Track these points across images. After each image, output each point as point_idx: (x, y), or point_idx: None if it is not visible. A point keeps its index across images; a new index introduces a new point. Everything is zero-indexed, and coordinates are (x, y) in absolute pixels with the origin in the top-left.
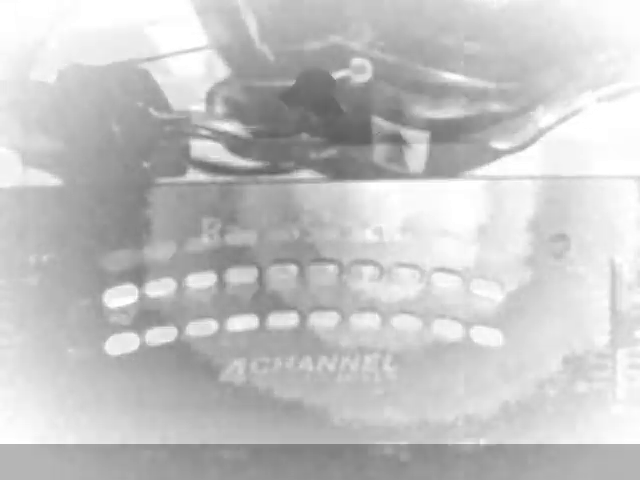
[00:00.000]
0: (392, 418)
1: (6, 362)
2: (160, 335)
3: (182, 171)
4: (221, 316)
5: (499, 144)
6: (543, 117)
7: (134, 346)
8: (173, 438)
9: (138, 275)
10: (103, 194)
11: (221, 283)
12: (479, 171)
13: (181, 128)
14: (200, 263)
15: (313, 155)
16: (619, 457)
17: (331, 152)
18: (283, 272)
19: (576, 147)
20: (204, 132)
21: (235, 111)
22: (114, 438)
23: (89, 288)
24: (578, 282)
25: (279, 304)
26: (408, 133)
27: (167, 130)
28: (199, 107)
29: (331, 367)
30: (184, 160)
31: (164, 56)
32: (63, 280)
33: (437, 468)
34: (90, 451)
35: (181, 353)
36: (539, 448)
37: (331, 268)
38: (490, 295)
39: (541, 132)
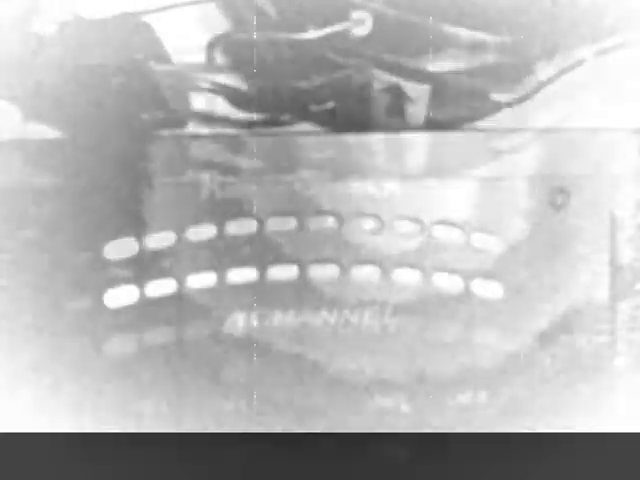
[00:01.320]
0: (392, 370)
1: (4, 315)
2: (160, 287)
3: (182, 123)
4: (221, 268)
5: (499, 96)
6: (543, 69)
7: (133, 298)
8: (172, 389)
9: (138, 227)
10: (102, 146)
11: (221, 235)
12: (479, 124)
13: (181, 80)
14: (200, 215)
15: (313, 108)
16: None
17: (331, 105)
18: (283, 224)
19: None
20: (204, 84)
21: (235, 63)
22: (114, 391)
23: (89, 241)
24: (578, 235)
25: (279, 256)
26: (408, 86)
27: (167, 82)
28: (199, 59)
29: (331, 320)
30: (184, 112)
31: (164, 8)
32: (63, 233)
33: (437, 418)
34: (90, 404)
35: (181, 305)
36: (539, 402)
37: (331, 220)
38: (490, 247)
39: (541, 84)
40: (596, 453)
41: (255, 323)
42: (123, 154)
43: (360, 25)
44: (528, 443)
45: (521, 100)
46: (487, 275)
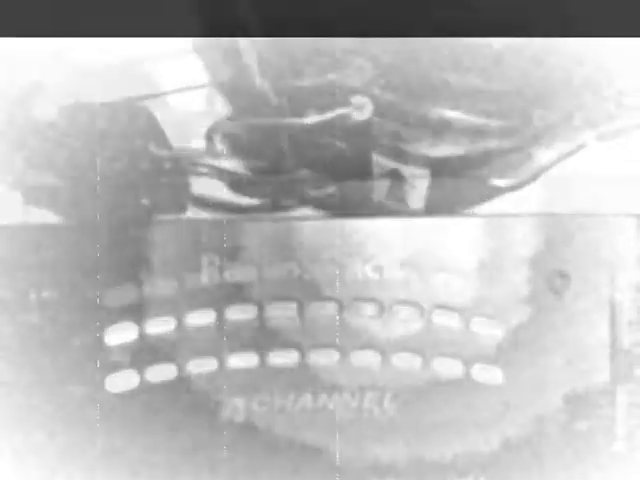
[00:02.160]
0: (392, 456)
1: (6, 400)
2: (160, 373)
3: (182, 208)
4: (221, 354)
5: (499, 181)
6: (543, 154)
7: (134, 383)
8: (172, 476)
9: (138, 312)
10: (103, 231)
11: (221, 320)
12: (479, 208)
13: (181, 165)
14: (200, 300)
15: (313, 192)
16: None
17: (331, 189)
18: (283, 309)
19: (576, 184)
20: (204, 169)
21: (235, 148)
22: (112, 475)
23: (89, 325)
24: (578, 319)
25: (279, 341)
26: (408, 170)
27: (167, 167)
28: (199, 144)
29: (331, 404)
30: (184, 197)
31: (164, 93)
32: (63, 317)
33: None
34: None
35: (181, 391)
36: None
37: (331, 305)
38: (490, 332)
39: (541, 169)
40: None
41: (255, 409)
42: (122, 239)
43: (360, 110)
44: None
45: (521, 185)
46: (487, 360)
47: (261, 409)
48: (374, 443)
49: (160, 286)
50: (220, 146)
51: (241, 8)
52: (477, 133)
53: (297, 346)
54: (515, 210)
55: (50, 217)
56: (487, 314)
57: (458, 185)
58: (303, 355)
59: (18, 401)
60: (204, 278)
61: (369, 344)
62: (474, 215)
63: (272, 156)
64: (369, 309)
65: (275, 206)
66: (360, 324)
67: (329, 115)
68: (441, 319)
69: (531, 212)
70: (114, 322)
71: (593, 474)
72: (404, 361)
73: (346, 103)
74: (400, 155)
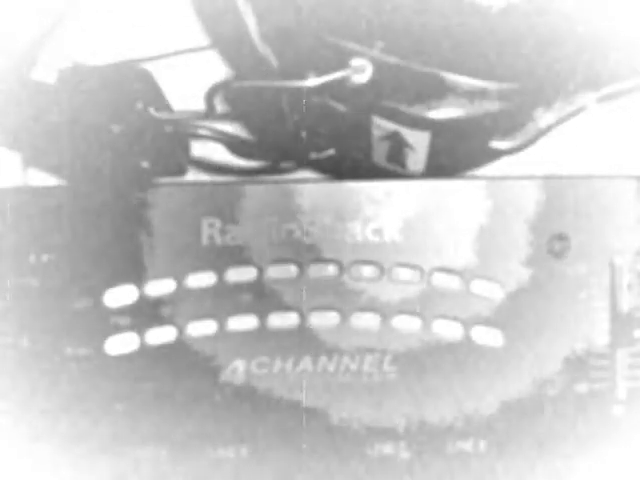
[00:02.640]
0: (392, 419)
1: (5, 362)
2: (160, 335)
3: (182, 171)
4: (221, 316)
5: (499, 144)
6: (543, 117)
7: (134, 346)
8: (172, 438)
9: (138, 275)
10: (103, 194)
11: (221, 283)
12: (479, 171)
13: (181, 128)
14: (200, 263)
15: (313, 155)
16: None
17: (331, 152)
18: (283, 272)
19: (576, 147)
20: (204, 132)
21: (235, 111)
22: (112, 438)
23: (89, 288)
24: (578, 282)
25: (279, 304)
26: (408, 133)
27: (167, 130)
28: (199, 107)
29: (331, 367)
30: (184, 160)
31: (164, 56)
32: (63, 280)
33: (437, 465)
34: (86, 450)
35: (181, 353)
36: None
37: (331, 268)
38: (490, 295)
39: (541, 132)
40: None
41: (255, 371)
42: (123, 201)
43: (360, 72)
44: None
45: (521, 148)
46: (487, 323)
47: (260, 371)
48: (373, 406)
49: (160, 248)
50: (220, 108)
51: None
52: (477, 95)
53: (297, 308)
54: (515, 173)
55: (49, 180)
56: (487, 276)
57: (458, 147)
58: (303, 318)
59: (16, 365)
60: (204, 240)
61: (369, 306)
62: (474, 177)
63: (272, 119)
64: (369, 271)
65: (275, 169)
66: (360, 286)
67: (329, 77)
68: (441, 281)
69: (531, 175)
70: (114, 284)
71: (593, 437)
72: (404, 323)
73: (346, 65)
74: (400, 117)
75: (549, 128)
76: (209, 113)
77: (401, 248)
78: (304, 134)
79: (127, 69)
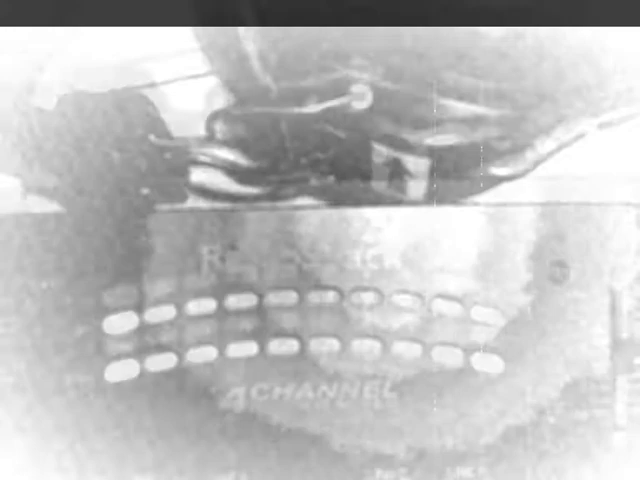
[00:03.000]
0: (392, 445)
1: (5, 389)
2: (160, 362)
3: (182, 198)
4: (221, 343)
5: (499, 170)
6: (543, 143)
7: (134, 373)
8: (172, 466)
9: (138, 302)
10: (102, 221)
11: (221, 310)
12: (479, 198)
13: (181, 155)
14: (200, 290)
15: (313, 182)
16: None
17: (331, 178)
18: (283, 298)
19: (576, 174)
20: (204, 158)
21: (235, 138)
22: (111, 466)
23: (89, 315)
24: (578, 309)
25: (279, 331)
26: (408, 160)
27: (167, 157)
28: (199, 134)
29: (331, 394)
30: (184, 187)
31: (164, 82)
32: (62, 307)
33: None
34: (88, 474)
35: (181, 380)
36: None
37: (331, 295)
38: (490, 321)
39: (541, 158)
40: None
41: (255, 397)
42: (122, 228)
43: (360, 99)
44: None
45: (521, 174)
46: (488, 349)
47: (261, 398)
48: (374, 432)
49: (159, 275)
50: (220, 135)
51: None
52: (478, 121)
53: (297, 335)
54: (515, 199)
55: (50, 206)
56: (487, 303)
57: (458, 174)
58: (303, 344)
59: (17, 394)
60: (204, 267)
61: (369, 333)
62: (474, 204)
63: (272, 145)
64: (369, 298)
65: (275, 195)
66: (360, 313)
67: (329, 104)
68: (441, 308)
69: (531, 201)
70: (114, 311)
71: (593, 464)
72: (404, 350)
73: (346, 92)
74: (400, 144)
75: (549, 154)
76: (209, 139)
77: (401, 275)
78: (304, 161)
79: (127, 96)
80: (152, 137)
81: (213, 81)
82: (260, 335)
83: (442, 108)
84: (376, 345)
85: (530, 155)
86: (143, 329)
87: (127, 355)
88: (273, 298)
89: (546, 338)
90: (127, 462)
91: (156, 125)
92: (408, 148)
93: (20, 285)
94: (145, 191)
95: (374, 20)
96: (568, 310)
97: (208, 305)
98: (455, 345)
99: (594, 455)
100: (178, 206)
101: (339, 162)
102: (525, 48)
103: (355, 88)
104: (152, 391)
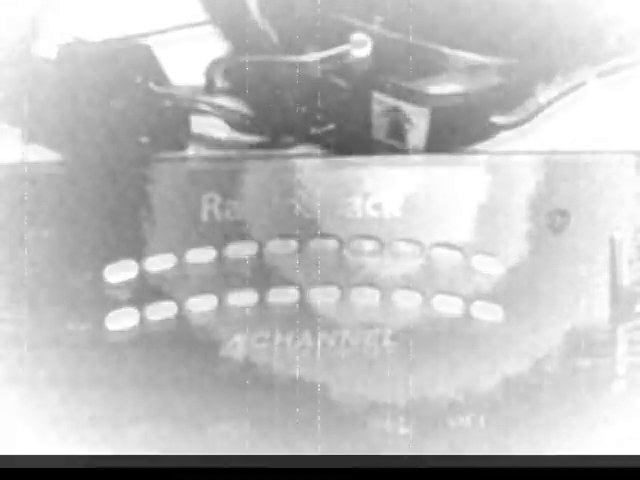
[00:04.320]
0: (391, 394)
1: (4, 337)
2: (160, 310)
3: (182, 146)
4: (221, 291)
5: (499, 119)
6: (543, 92)
7: (134, 321)
8: (173, 412)
9: (138, 250)
10: (101, 169)
11: (221, 258)
12: (479, 146)
13: (181, 103)
14: (200, 238)
15: (313, 130)
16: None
17: (331, 127)
18: (283, 247)
19: (575, 121)
20: (204, 107)
21: (235, 86)
22: (112, 414)
23: (89, 263)
24: (578, 257)
25: (279, 279)
26: (408, 108)
27: (167, 105)
28: (199, 82)
29: (331, 342)
30: (184, 135)
31: (164, 31)
32: (63, 256)
33: (436, 441)
34: (88, 422)
35: (181, 328)
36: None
37: (331, 243)
38: (490, 270)
39: (541, 107)
40: (595, 477)
41: (254, 346)
42: (122, 177)
43: (360, 47)
44: (527, 465)
45: (521, 123)
46: (487, 298)
47: (260, 346)
48: (373, 381)
49: (159, 223)
50: (220, 83)
51: None
52: (477, 70)
53: (297, 284)
54: (515, 148)
55: (49, 155)
56: (487, 251)
57: (458, 123)
58: (303, 293)
59: (18, 339)
60: (204, 215)
61: (369, 282)
62: (474, 153)
63: (272, 94)
64: (369, 246)
65: (275, 144)
66: (360, 261)
67: (329, 52)
68: (441, 256)
69: (530, 150)
70: (114, 260)
71: (593, 412)
72: (404, 299)
73: (346, 40)
74: (400, 93)
75: (549, 103)
76: (209, 88)
77: (401, 223)
78: (304, 109)
79: (127, 44)
80: (152, 85)
81: (212, 29)
82: (260, 283)
83: (442, 57)
84: (376, 294)
85: (530, 104)
86: (143, 277)
87: (127, 303)
88: (273, 246)
89: (546, 287)
90: (129, 409)
91: (156, 73)
92: (408, 97)
93: (19, 234)
94: (145, 139)
95: None
96: (568, 259)
97: (208, 253)
98: (455, 294)
99: (593, 403)
100: (178, 154)
101: (339, 111)
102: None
103: (355, 36)
104: (152, 339)
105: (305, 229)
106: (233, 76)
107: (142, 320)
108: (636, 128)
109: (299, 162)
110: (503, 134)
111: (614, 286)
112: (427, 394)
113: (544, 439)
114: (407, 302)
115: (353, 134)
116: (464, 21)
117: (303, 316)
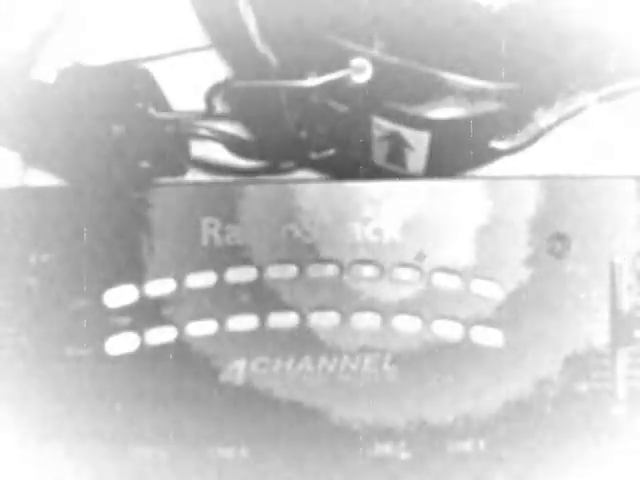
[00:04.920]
0: (391, 419)
1: (5, 363)
2: (160, 335)
3: (182, 171)
4: (221, 316)
5: (499, 144)
6: (543, 117)
7: (134, 346)
8: (172, 438)
9: (138, 275)
10: (102, 194)
11: (221, 283)
12: (479, 171)
13: (181, 128)
14: (200, 263)
15: (313, 155)
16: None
17: (331, 152)
18: (283, 272)
19: (576, 146)
20: (204, 132)
21: (235, 111)
22: (112, 437)
23: (89, 288)
24: (578, 282)
25: (279, 304)
26: (408, 133)
27: (167, 130)
28: (199, 107)
29: (331, 367)
30: (184, 160)
31: (165, 56)
32: (63, 280)
33: (437, 466)
34: (88, 450)
35: (181, 353)
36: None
37: (331, 268)
38: (490, 295)
39: (541, 132)
40: None
41: (255, 371)
42: (123, 201)
43: (360, 72)
44: None
45: (521, 147)
46: (487, 322)
47: (261, 371)
48: (373, 406)
49: (159, 248)
50: (220, 108)
51: None
52: (477, 95)
53: (297, 308)
54: (515, 173)
55: (49, 180)
56: (487, 276)
57: (458, 147)
58: (303, 317)
59: (17, 365)
60: (204, 240)
61: (369, 306)
62: (474, 178)
63: (272, 119)
64: (369, 271)
65: (275, 169)
66: (360, 286)
67: (329, 77)
68: (441, 281)
69: (531, 175)
70: (114, 284)
71: (593, 437)
72: (404, 323)
73: (346, 65)
74: (400, 118)
75: (549, 128)
76: (209, 113)
77: (401, 248)
78: (304, 134)
79: (127, 69)
80: (152, 110)
81: (213, 54)
82: (260, 308)
83: (442, 81)
84: (376, 318)
85: (530, 129)
86: (143, 302)
87: (127, 328)
88: (273, 271)
89: (546, 311)
90: (127, 435)
91: (156, 98)
92: (408, 121)
93: (20, 258)
94: (145, 164)
95: None
96: (568, 283)
97: (208, 278)
98: (455, 318)
99: (594, 428)
100: (178, 179)
101: (339, 135)
102: (525, 20)
103: (355, 62)
104: (152, 364)
105: (305, 254)
106: (233, 101)
107: (142, 345)
108: (636, 153)
109: (299, 187)
110: (503, 159)
111: (614, 311)
112: (428, 419)
113: (544, 464)
114: (407, 327)
115: (353, 159)
116: (464, 46)
117: (303, 341)
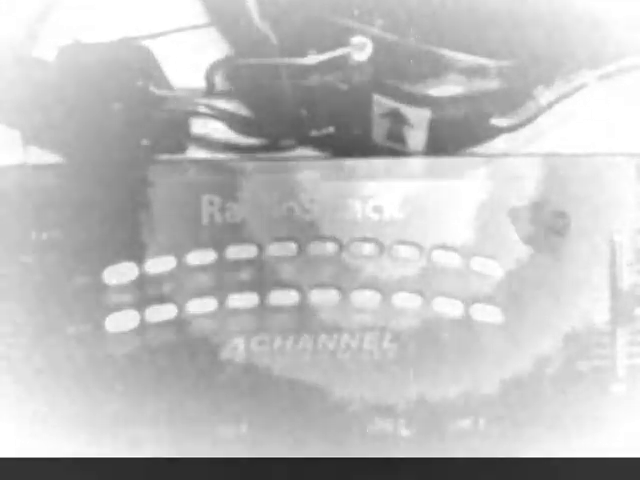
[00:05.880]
0: (392, 396)
1: (5, 340)
2: (160, 313)
3: (182, 149)
4: (221, 294)
5: (499, 121)
6: (543, 94)
7: (134, 324)
8: (172, 416)
9: (138, 252)
10: (102, 172)
11: (221, 260)
12: (479, 149)
13: (181, 106)
14: (200, 240)
15: (313, 132)
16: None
17: (331, 130)
18: (283, 250)
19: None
20: (204, 110)
21: (235, 88)
22: (111, 415)
23: (89, 266)
24: (578, 260)
25: (279, 282)
26: (408, 110)
27: (167, 108)
28: (199, 85)
29: (331, 345)
30: (184, 138)
31: (165, 33)
32: (63, 258)
33: (437, 443)
34: (88, 426)
35: (181, 331)
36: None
37: (331, 246)
38: (490, 272)
39: (541, 109)
40: (595, 479)
41: (255, 349)
42: (123, 179)
43: (360, 50)
44: (527, 469)
45: (521, 125)
46: (487, 300)
47: (261, 349)
48: (373, 384)
49: (160, 226)
50: (220, 86)
51: None
52: (477, 73)
53: (297, 286)
54: (515, 150)
55: (50, 157)
56: (487, 254)
57: (458, 125)
58: (303, 295)
59: (19, 342)
60: (204, 218)
61: (369, 284)
62: (474, 155)
63: (272, 96)
64: (369, 249)
65: (275, 146)
66: (360, 264)
67: (329, 55)
68: (441, 259)
69: (531, 152)
70: (114, 262)
71: (593, 414)
72: (404, 301)
73: (346, 43)
74: (400, 95)
75: (549, 106)
76: (209, 91)
77: (401, 226)
78: (304, 112)
79: (127, 46)
80: (152, 88)
81: (213, 32)
82: (260, 286)
83: (442, 59)
84: (376, 296)
85: (530, 106)
86: (143, 280)
87: (127, 306)
88: (273, 249)
89: (546, 289)
90: (128, 414)
91: (156, 76)
92: (408, 99)
93: (21, 236)
94: (145, 142)
95: None
96: (568, 262)
97: (208, 256)
98: (455, 296)
99: (593, 405)
100: (178, 157)
101: (339, 113)
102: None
103: (355, 39)
104: (152, 342)
105: (305, 232)
106: (233, 79)
107: (142, 322)
108: (636, 131)
109: (299, 165)
110: (503, 136)
111: (614, 289)
112: (428, 396)
113: (544, 441)
114: (407, 304)
115: (353, 137)
116: (464, 24)
117: (303, 319)
